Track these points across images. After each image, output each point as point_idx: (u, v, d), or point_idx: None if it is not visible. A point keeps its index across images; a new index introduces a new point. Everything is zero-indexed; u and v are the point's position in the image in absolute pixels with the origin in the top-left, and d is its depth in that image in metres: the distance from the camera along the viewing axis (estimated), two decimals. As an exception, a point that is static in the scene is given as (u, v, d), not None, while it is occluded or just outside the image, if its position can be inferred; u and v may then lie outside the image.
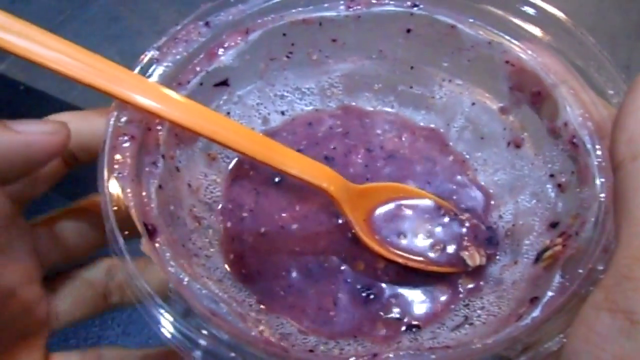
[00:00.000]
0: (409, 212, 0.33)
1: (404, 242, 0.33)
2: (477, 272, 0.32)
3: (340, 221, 0.34)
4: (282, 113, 0.38)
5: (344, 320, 0.31)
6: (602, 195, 0.26)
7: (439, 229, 0.33)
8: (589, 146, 0.28)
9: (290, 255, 0.33)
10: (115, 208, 0.25)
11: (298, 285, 0.32)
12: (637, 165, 0.20)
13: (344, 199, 0.32)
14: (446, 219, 0.33)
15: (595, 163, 0.27)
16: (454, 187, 0.36)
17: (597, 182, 0.27)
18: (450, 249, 0.32)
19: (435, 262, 0.32)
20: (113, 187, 0.26)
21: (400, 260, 0.32)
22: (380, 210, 0.33)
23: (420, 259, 0.32)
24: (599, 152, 0.27)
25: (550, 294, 0.24)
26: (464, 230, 0.32)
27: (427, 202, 0.34)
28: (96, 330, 0.42)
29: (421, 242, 0.33)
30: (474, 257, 0.31)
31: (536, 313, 0.24)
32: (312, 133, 0.38)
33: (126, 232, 0.25)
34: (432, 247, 0.32)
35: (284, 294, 0.31)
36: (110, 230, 0.24)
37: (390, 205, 0.34)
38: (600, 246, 0.24)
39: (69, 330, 0.38)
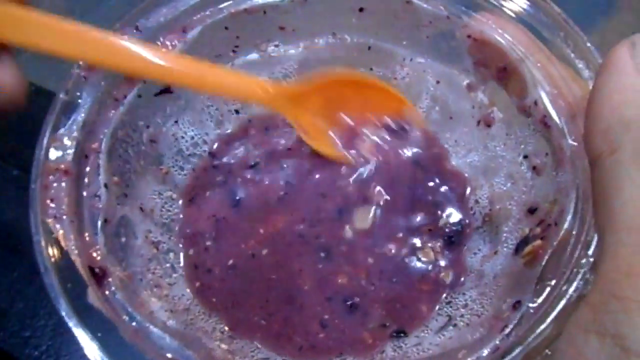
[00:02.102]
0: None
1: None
2: (457, 265, 0.30)
3: (313, 238, 0.31)
4: (236, 112, 0.36)
5: (332, 339, 0.29)
6: (579, 181, 0.24)
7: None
8: (562, 127, 0.26)
9: (267, 283, 0.30)
10: (54, 259, 0.23)
11: (282, 314, 0.29)
12: (617, 159, 0.18)
13: (284, 105, 0.31)
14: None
15: (570, 145, 0.25)
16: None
17: (574, 166, 0.25)
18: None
19: None
20: (48, 233, 0.23)
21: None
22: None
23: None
24: (573, 134, 0.25)
25: (534, 299, 0.23)
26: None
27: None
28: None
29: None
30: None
31: (518, 321, 0.22)
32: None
33: (69, 285, 0.22)
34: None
35: (266, 323, 0.29)
36: (50, 286, 0.22)
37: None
38: (581, 242, 0.22)
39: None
